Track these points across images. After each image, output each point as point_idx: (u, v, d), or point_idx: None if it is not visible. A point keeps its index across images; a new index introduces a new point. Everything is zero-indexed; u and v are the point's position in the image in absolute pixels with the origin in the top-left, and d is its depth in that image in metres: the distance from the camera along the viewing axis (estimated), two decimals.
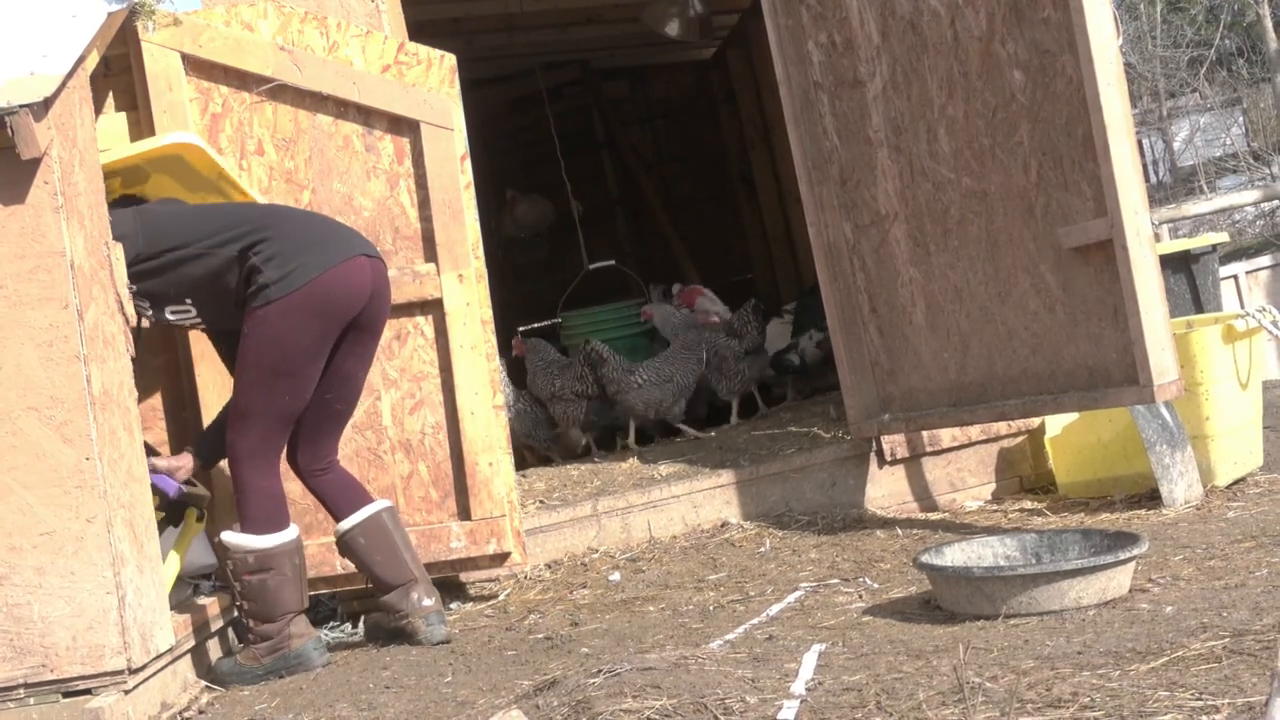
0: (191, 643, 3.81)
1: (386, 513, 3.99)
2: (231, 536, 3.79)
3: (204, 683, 3.78)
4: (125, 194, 4.02)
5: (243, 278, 3.72)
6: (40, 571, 3.27)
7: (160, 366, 4.48)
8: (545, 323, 8.27)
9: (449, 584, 4.53)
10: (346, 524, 3.95)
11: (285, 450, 3.89)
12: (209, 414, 4.35)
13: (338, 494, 3.96)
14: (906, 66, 4.58)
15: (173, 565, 3.97)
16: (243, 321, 3.72)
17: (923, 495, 5.09)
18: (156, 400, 4.49)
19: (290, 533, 3.82)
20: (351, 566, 4.17)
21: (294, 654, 3.79)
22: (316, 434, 3.91)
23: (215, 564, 4.24)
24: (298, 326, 3.69)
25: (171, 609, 3.71)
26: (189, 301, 3.81)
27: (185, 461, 4.02)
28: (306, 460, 3.93)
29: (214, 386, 4.36)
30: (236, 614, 3.94)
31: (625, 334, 7.31)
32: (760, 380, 6.56)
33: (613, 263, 8.04)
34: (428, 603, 3.94)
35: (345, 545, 3.97)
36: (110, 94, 4.48)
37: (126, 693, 3.30)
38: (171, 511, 3.99)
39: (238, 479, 3.77)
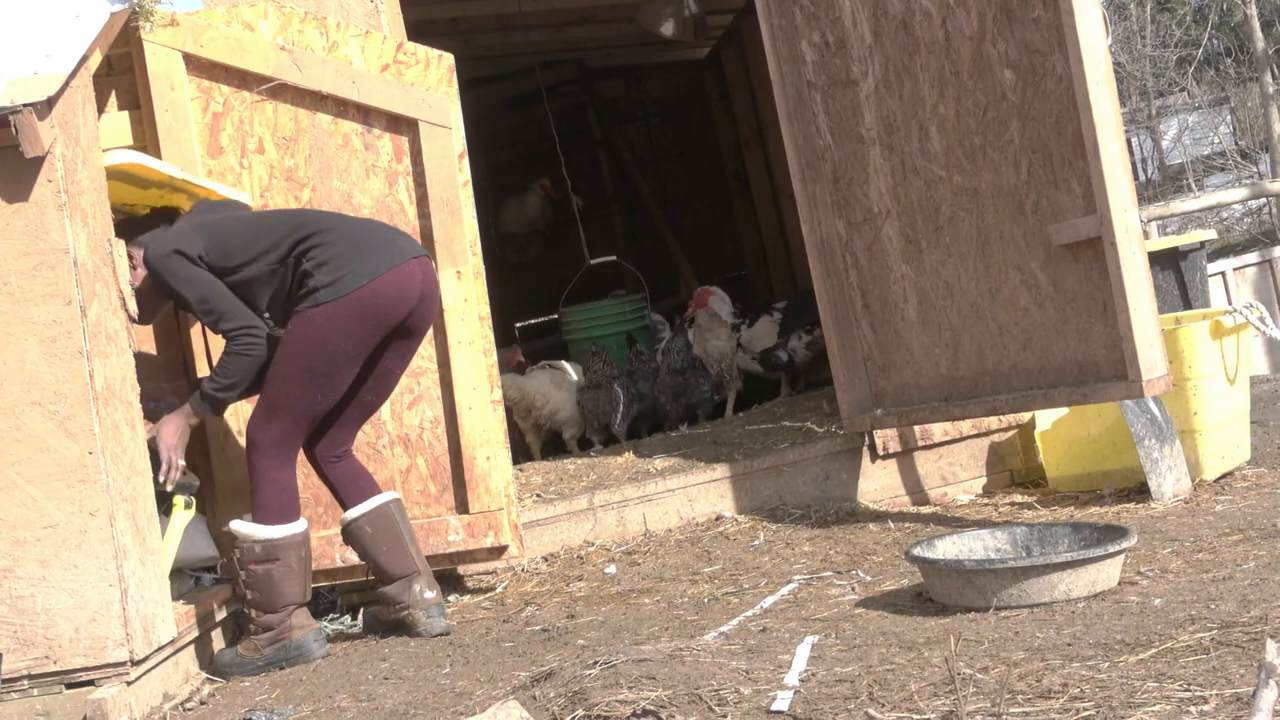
0: (194, 634, 3.84)
1: (394, 504, 4.02)
2: (241, 525, 3.83)
3: (205, 674, 3.81)
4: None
5: (295, 281, 3.77)
6: (44, 564, 3.30)
7: (163, 363, 4.51)
8: (544, 318, 8.31)
9: (447, 576, 4.56)
10: (354, 513, 3.98)
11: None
12: None
13: (348, 482, 3.99)
14: (899, 66, 4.62)
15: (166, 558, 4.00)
16: (289, 319, 3.78)
17: (914, 489, 5.13)
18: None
19: (299, 525, 3.85)
20: (353, 559, 4.20)
21: (294, 645, 3.82)
22: (341, 424, 3.96)
23: (218, 556, 4.27)
24: (341, 331, 3.73)
25: (173, 600, 3.74)
26: (267, 316, 3.85)
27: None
28: (325, 447, 3.97)
29: None
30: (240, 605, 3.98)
31: (622, 329, 7.36)
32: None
33: (614, 258, 8.07)
34: (429, 595, 3.97)
35: (351, 534, 4.00)
36: (113, 93, 4.50)
37: (129, 684, 3.33)
38: (160, 500, 4.02)
39: (254, 468, 3.80)
